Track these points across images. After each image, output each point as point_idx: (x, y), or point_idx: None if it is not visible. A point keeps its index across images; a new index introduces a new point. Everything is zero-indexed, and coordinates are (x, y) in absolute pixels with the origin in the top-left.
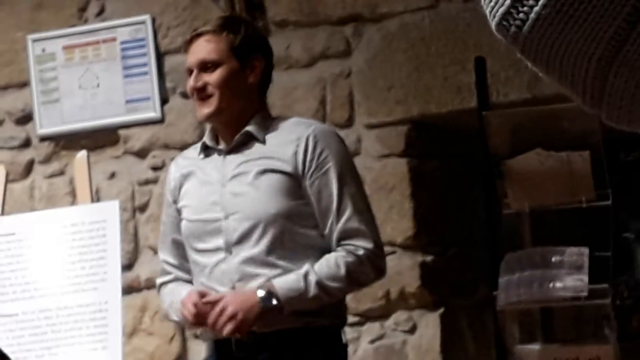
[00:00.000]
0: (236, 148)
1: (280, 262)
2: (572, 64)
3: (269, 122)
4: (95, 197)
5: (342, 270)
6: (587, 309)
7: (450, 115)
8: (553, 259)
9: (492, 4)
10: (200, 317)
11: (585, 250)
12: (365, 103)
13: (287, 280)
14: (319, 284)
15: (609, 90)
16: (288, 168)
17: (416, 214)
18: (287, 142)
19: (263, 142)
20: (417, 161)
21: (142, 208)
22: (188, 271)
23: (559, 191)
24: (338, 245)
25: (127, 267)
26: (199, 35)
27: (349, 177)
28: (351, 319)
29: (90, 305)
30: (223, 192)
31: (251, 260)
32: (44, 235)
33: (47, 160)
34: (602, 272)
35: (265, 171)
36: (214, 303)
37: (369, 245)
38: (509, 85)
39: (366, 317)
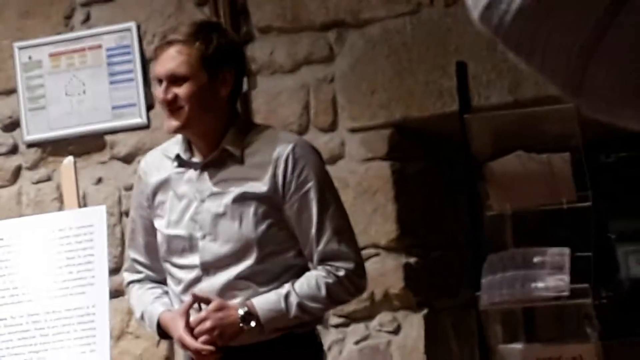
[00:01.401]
0: (212, 163)
1: (258, 285)
2: (553, 54)
3: (244, 136)
4: (83, 202)
5: (323, 291)
6: (568, 308)
7: (433, 119)
8: (535, 260)
9: None
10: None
11: (567, 251)
12: (349, 107)
13: (269, 300)
14: (300, 305)
15: (590, 81)
16: (266, 191)
17: (399, 216)
18: (265, 162)
19: (241, 161)
20: (400, 164)
21: (128, 212)
22: (158, 271)
23: (540, 193)
24: (319, 265)
25: (115, 271)
26: (169, 43)
27: (329, 196)
28: (336, 320)
29: (78, 309)
30: (200, 209)
31: (228, 282)
32: (31, 241)
33: (34, 166)
34: (584, 272)
35: (244, 194)
36: (200, 301)
37: (349, 265)
38: (490, 89)
39: (351, 318)
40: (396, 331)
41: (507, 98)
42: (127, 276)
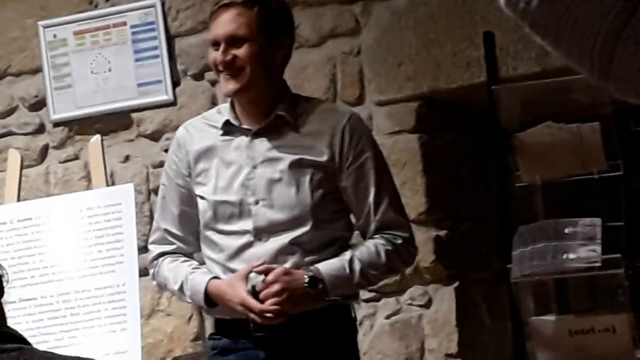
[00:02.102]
0: (265, 130)
1: (306, 253)
2: (579, 38)
3: (297, 105)
4: (110, 180)
5: (383, 258)
6: (600, 279)
7: (460, 91)
8: (566, 231)
9: None
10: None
11: (598, 221)
12: (375, 80)
13: (333, 266)
14: (362, 271)
15: (617, 63)
16: (324, 158)
17: (428, 189)
18: (321, 130)
19: (295, 128)
20: (428, 137)
21: (157, 190)
22: (190, 244)
23: (570, 163)
24: (375, 234)
25: (143, 249)
26: (227, 5)
27: (384, 167)
28: (367, 295)
29: (108, 288)
30: (253, 175)
31: (281, 248)
32: (60, 220)
33: (61, 145)
34: (615, 242)
35: (300, 161)
36: (266, 272)
37: (405, 234)
38: (518, 59)
39: (382, 293)
40: (427, 305)
41: (535, 68)
42: (154, 248)
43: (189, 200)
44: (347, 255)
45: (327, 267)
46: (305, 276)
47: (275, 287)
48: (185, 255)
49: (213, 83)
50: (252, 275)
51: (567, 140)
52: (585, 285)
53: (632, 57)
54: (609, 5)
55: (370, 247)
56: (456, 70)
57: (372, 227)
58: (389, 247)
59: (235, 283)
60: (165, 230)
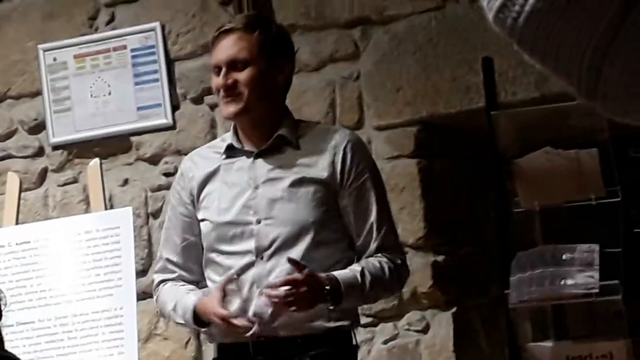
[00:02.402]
0: (267, 151)
1: (311, 271)
2: (567, 56)
3: (297, 126)
4: (109, 204)
5: (387, 275)
6: (598, 305)
7: (459, 116)
8: (564, 257)
9: None
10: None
11: (596, 247)
12: (375, 105)
13: (346, 275)
14: (372, 283)
15: (604, 82)
16: (325, 176)
17: (427, 214)
18: (323, 149)
19: (297, 147)
20: (427, 162)
21: (156, 214)
22: (192, 272)
23: (568, 189)
24: (376, 253)
25: (142, 272)
26: (228, 31)
27: (384, 191)
28: (364, 319)
29: (106, 312)
30: (255, 195)
31: (282, 267)
32: (58, 243)
33: (60, 168)
34: (613, 269)
35: (302, 179)
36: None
37: (402, 256)
38: (517, 85)
39: (379, 317)
40: (425, 330)
41: (534, 94)
42: (157, 277)
43: (191, 228)
44: (357, 267)
45: (342, 275)
46: (327, 280)
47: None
48: (187, 281)
49: (212, 107)
50: (255, 302)
51: (566, 166)
52: (583, 312)
53: (618, 75)
54: (595, 23)
55: (376, 263)
56: (455, 95)
57: (374, 247)
58: (391, 265)
59: (211, 298)
60: (167, 259)
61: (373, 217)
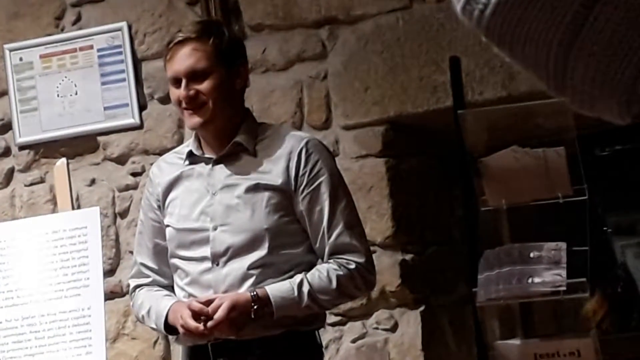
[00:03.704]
0: (225, 158)
1: (266, 277)
2: (534, 49)
3: (256, 131)
4: (76, 204)
5: (334, 284)
6: (566, 303)
7: (427, 115)
8: (531, 255)
9: None
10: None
11: (563, 245)
12: (342, 104)
13: (281, 288)
14: (311, 294)
15: (570, 75)
16: (280, 182)
17: (395, 213)
18: (279, 155)
19: (254, 154)
20: (394, 161)
21: (123, 214)
22: (166, 276)
23: (535, 187)
24: (329, 259)
25: (109, 272)
26: (182, 42)
27: (340, 191)
28: (333, 318)
29: (73, 312)
30: (212, 202)
31: (238, 273)
32: (25, 243)
33: (27, 168)
34: (580, 267)
35: (257, 185)
36: (208, 302)
37: (360, 259)
38: (484, 84)
39: (348, 316)
40: (393, 329)
41: (501, 93)
42: (133, 282)
43: (160, 233)
44: (298, 277)
45: (275, 287)
46: (253, 294)
47: (225, 305)
48: (162, 286)
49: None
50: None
51: (533, 164)
52: (550, 309)
53: (584, 68)
54: (560, 16)
55: (322, 272)
56: (422, 94)
57: (326, 251)
58: (340, 273)
59: (179, 306)
60: (141, 264)
61: (326, 220)
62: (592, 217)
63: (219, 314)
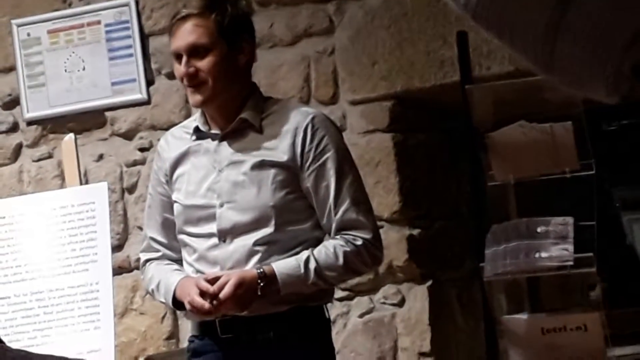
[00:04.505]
0: (231, 134)
1: (273, 254)
2: (521, 31)
3: (263, 106)
4: (84, 179)
5: (340, 260)
6: (573, 278)
7: (434, 90)
8: (538, 230)
9: None
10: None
11: (570, 220)
12: (349, 79)
13: (288, 264)
14: (317, 271)
15: (558, 56)
16: (285, 159)
17: (402, 188)
18: (284, 131)
19: (260, 130)
20: (402, 136)
21: (131, 189)
22: (176, 250)
23: (543, 162)
24: (336, 234)
25: (117, 247)
26: (185, 17)
27: (347, 167)
28: (340, 293)
29: (82, 287)
30: (219, 178)
31: (244, 250)
32: (33, 218)
33: (35, 144)
34: (587, 241)
35: (262, 162)
36: (215, 279)
37: (367, 235)
38: (491, 59)
39: (355, 291)
40: (400, 304)
41: (508, 68)
42: (143, 256)
43: (169, 207)
44: (304, 254)
45: (281, 264)
46: (260, 271)
47: (232, 282)
48: (172, 260)
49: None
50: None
51: (540, 139)
52: (557, 284)
53: (571, 47)
54: None
55: (329, 248)
56: (430, 69)
57: (334, 227)
58: (347, 249)
59: (187, 283)
60: (151, 238)
61: (332, 196)
62: (600, 191)
63: (225, 292)
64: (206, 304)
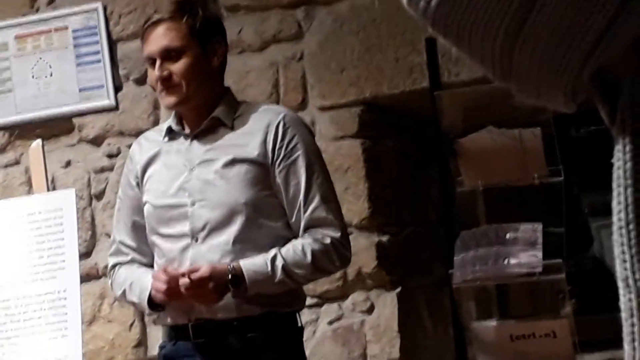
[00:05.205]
0: (203, 133)
1: (246, 252)
2: (479, 39)
3: (235, 107)
4: (51, 185)
5: (308, 258)
6: (541, 284)
7: (403, 96)
8: (507, 236)
9: None
10: (172, 287)
11: (539, 227)
12: (318, 85)
13: (255, 262)
14: (285, 269)
15: (516, 65)
16: (256, 156)
17: (371, 194)
18: (256, 129)
19: (231, 128)
20: (371, 142)
21: (99, 196)
22: (145, 254)
23: (511, 168)
24: (305, 233)
25: (85, 255)
26: (157, 22)
27: (317, 165)
28: (309, 300)
29: (49, 294)
30: (190, 177)
31: (217, 249)
32: (0, 226)
33: (1, 150)
34: (556, 248)
35: (234, 160)
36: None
37: (335, 234)
38: (460, 65)
39: (324, 298)
40: (369, 310)
41: (477, 74)
42: (111, 259)
43: (139, 210)
44: (271, 252)
45: (248, 262)
46: (227, 266)
47: (202, 268)
48: (141, 264)
49: (154, 87)
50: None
51: (509, 145)
52: (526, 291)
53: (530, 56)
54: (505, 7)
55: (297, 246)
56: (399, 75)
57: (302, 225)
58: (315, 247)
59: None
60: (120, 242)
61: (302, 194)
62: (568, 197)
63: (199, 273)
64: (185, 279)
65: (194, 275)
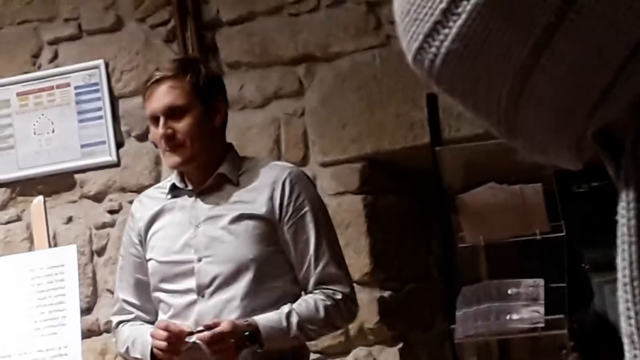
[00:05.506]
0: (208, 190)
1: (253, 308)
2: (484, 97)
3: (239, 163)
4: (53, 242)
5: (321, 314)
6: (544, 339)
7: (404, 152)
8: (509, 291)
9: (408, 39)
10: (172, 343)
11: (541, 282)
12: (320, 141)
13: (270, 318)
14: (299, 325)
15: (521, 122)
16: (264, 212)
17: (373, 250)
18: (262, 185)
19: (237, 184)
20: (372, 198)
21: (100, 252)
22: (149, 312)
23: (513, 224)
24: (315, 289)
25: (86, 310)
26: (159, 80)
27: (324, 221)
28: (312, 356)
29: (50, 350)
30: (196, 233)
31: (225, 304)
32: (2, 282)
33: (3, 206)
34: (558, 303)
35: (241, 216)
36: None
37: (345, 289)
38: (461, 121)
39: (326, 354)
40: None
41: (478, 130)
42: (115, 319)
43: (142, 268)
44: (285, 308)
45: (263, 318)
46: (245, 324)
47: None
48: (145, 322)
49: (157, 144)
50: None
51: (510, 201)
52: (528, 346)
53: (535, 114)
54: (509, 65)
55: (310, 302)
56: (400, 131)
57: (312, 281)
58: (328, 303)
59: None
60: (124, 300)
61: (311, 250)
62: (570, 253)
63: (220, 328)
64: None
65: (216, 330)
